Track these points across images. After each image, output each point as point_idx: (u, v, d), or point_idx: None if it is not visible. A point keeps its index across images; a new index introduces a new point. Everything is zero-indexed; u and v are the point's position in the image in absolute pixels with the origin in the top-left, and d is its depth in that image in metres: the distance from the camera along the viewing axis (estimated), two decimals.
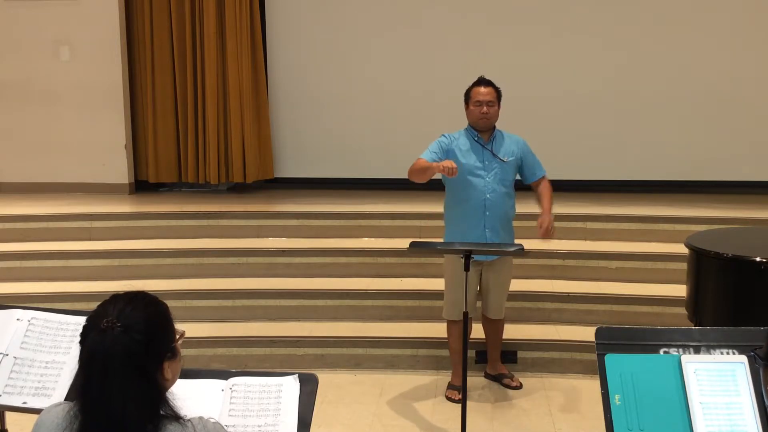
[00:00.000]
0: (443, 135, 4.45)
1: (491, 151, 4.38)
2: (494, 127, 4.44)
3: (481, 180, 4.37)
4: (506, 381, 4.72)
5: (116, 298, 1.82)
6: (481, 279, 4.52)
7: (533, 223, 5.85)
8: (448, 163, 4.03)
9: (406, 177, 4.33)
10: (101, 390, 1.71)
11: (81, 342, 1.77)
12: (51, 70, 7.25)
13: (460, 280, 4.23)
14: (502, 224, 4.43)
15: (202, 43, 7.12)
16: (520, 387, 4.69)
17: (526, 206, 6.05)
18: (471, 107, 4.41)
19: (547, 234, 4.38)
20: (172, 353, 1.83)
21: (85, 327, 1.78)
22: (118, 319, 1.75)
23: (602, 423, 2.12)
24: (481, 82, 4.44)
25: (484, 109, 4.36)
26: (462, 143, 4.41)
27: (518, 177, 4.56)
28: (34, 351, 2.67)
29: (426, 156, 4.30)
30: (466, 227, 4.40)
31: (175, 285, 5.45)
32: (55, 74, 7.25)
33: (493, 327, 4.70)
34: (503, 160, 4.38)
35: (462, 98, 4.49)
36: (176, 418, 1.78)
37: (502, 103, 4.45)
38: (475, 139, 4.41)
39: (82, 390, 1.75)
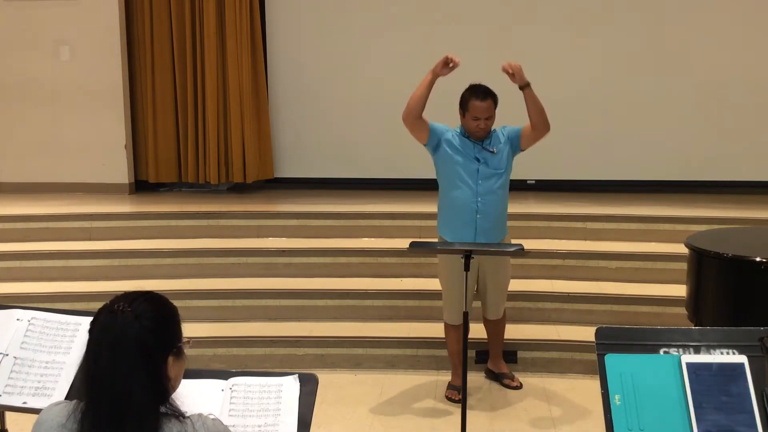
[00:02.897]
0: (444, 124, 4.46)
1: (481, 145, 4.38)
2: None
3: (473, 175, 4.35)
4: (506, 381, 4.72)
5: (128, 293, 1.87)
6: (478, 279, 4.51)
7: (531, 223, 5.91)
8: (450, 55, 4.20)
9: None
10: (109, 366, 1.74)
11: (92, 323, 1.81)
12: (51, 70, 7.24)
13: (456, 279, 4.23)
14: (494, 217, 4.40)
15: (202, 43, 7.12)
16: (520, 387, 4.68)
17: (525, 206, 6.09)
18: (468, 119, 4.37)
19: (509, 66, 4.37)
20: (177, 351, 1.86)
21: (96, 313, 1.83)
22: (130, 306, 1.80)
23: (602, 423, 2.12)
24: (479, 94, 4.35)
25: (482, 125, 4.35)
26: (455, 139, 4.41)
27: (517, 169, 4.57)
28: (34, 351, 2.67)
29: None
30: (457, 223, 4.39)
31: (175, 285, 5.44)
32: (55, 74, 7.24)
33: (494, 326, 4.70)
34: (492, 152, 4.37)
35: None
36: (176, 415, 1.80)
37: (501, 103, 4.44)
38: (466, 136, 4.42)
39: (90, 368, 1.77)
